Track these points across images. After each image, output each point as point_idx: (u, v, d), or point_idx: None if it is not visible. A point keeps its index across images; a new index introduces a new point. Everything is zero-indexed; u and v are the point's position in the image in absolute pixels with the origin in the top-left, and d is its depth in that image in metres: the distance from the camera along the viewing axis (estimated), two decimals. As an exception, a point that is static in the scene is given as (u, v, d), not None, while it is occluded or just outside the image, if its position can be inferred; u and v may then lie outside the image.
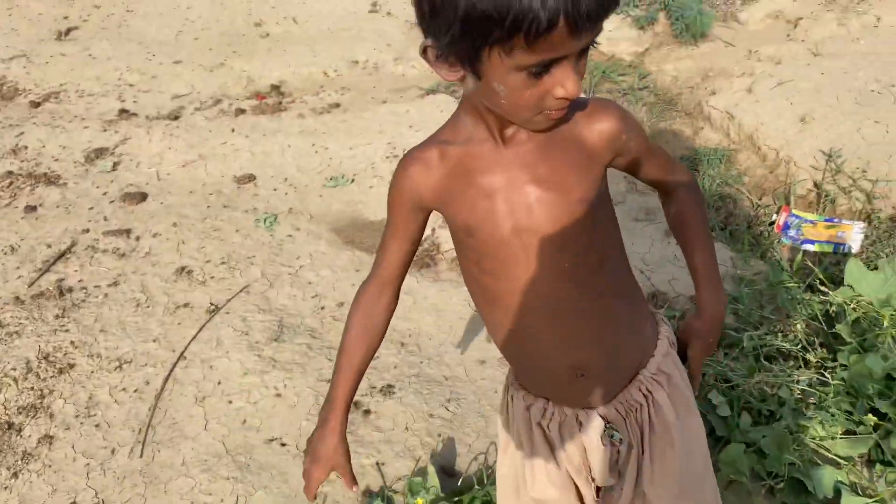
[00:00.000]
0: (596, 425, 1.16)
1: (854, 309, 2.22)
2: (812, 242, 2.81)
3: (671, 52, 4.27)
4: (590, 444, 1.17)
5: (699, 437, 1.26)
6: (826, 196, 2.98)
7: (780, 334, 2.29)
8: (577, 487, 1.24)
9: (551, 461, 1.21)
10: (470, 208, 1.03)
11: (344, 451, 1.19)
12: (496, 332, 1.17)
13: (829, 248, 2.78)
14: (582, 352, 1.11)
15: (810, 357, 2.19)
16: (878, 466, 1.98)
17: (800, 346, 2.22)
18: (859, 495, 1.89)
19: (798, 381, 2.08)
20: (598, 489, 1.24)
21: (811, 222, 2.88)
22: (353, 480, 1.21)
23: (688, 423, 1.22)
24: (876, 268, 2.33)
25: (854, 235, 2.78)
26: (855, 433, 2.01)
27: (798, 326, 2.29)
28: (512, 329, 1.12)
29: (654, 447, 1.19)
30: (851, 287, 2.25)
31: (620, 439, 1.17)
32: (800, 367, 2.17)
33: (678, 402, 1.20)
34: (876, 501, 1.86)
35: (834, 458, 1.99)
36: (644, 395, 1.18)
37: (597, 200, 1.04)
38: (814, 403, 2.06)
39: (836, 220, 2.87)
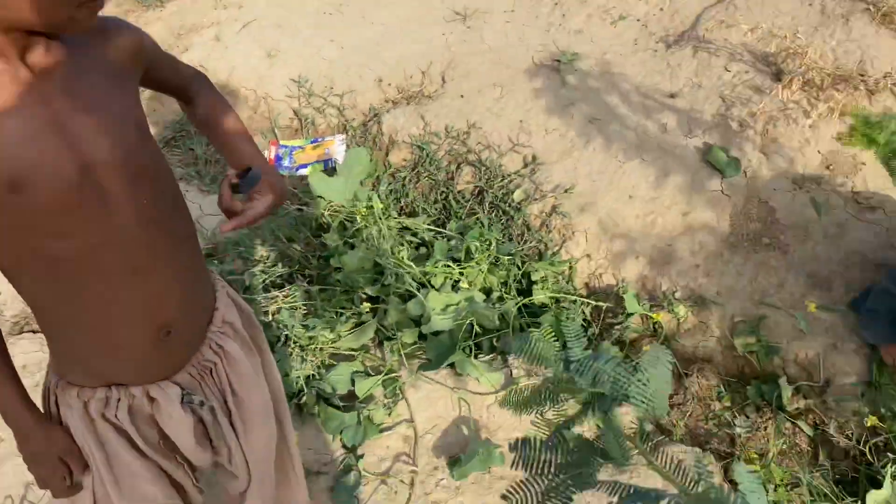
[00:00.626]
0: (172, 395, 1.05)
1: (332, 215, 2.38)
2: (305, 166, 2.95)
3: (139, 17, 4.06)
4: (168, 419, 1.06)
5: (272, 363, 1.28)
6: (306, 120, 3.14)
7: (284, 261, 2.38)
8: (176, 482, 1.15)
9: (133, 454, 1.07)
10: (11, 157, 0.80)
11: (60, 433, 1.05)
12: (54, 312, 0.97)
13: (320, 167, 2.95)
14: (170, 306, 1.00)
15: (310, 271, 2.31)
16: (386, 343, 2.20)
17: (297, 266, 2.32)
18: (371, 376, 2.07)
19: (296, 296, 2.17)
20: (193, 471, 1.17)
21: (300, 148, 3.02)
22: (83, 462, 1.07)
23: (264, 356, 1.24)
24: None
25: (337, 148, 2.99)
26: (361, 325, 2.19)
27: (296, 247, 2.40)
28: (83, 300, 0.94)
29: (240, 403, 1.15)
30: (322, 197, 2.41)
31: (201, 402, 1.09)
32: (296, 281, 2.28)
33: (247, 345, 1.18)
34: (385, 374, 2.06)
35: (349, 353, 2.14)
36: (215, 351, 1.11)
37: (145, 124, 0.95)
38: (317, 312, 2.19)
39: (319, 140, 3.05)
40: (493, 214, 2.57)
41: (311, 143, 3.04)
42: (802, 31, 2.83)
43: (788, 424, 2.10)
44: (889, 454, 1.93)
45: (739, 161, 2.48)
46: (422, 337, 2.15)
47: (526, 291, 2.37)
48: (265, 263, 2.39)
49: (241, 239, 2.47)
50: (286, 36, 3.53)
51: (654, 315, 2.27)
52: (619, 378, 0.75)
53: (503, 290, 2.32)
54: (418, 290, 2.15)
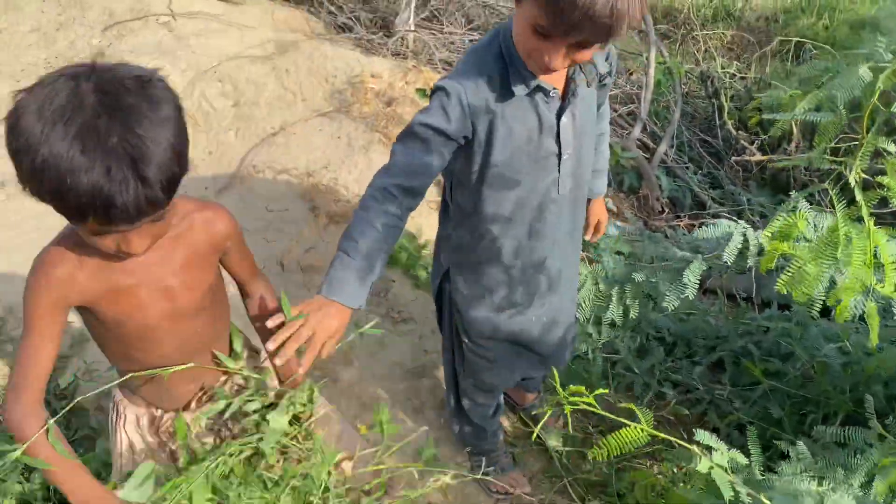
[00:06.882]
0: (202, 422, 1.39)
1: None
2: None
3: None
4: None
5: None
6: None
7: None
8: None
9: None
10: (117, 304, 1.20)
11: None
12: (130, 371, 1.31)
13: None
14: (202, 375, 1.40)
15: None
16: None
17: None
18: None
19: None
20: None
21: None
22: None
23: None
24: None
25: None
26: None
27: None
28: (140, 362, 1.30)
29: None
30: None
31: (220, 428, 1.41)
32: None
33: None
34: None
35: None
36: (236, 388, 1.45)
37: (218, 275, 1.36)
38: None
39: None
40: None
41: None
42: (332, 165, 3.10)
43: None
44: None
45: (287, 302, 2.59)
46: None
47: None
48: None
49: None
50: None
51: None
52: None
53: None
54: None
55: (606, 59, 1.58)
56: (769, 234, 1.58)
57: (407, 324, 2.65)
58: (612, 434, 1.11)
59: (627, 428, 1.09)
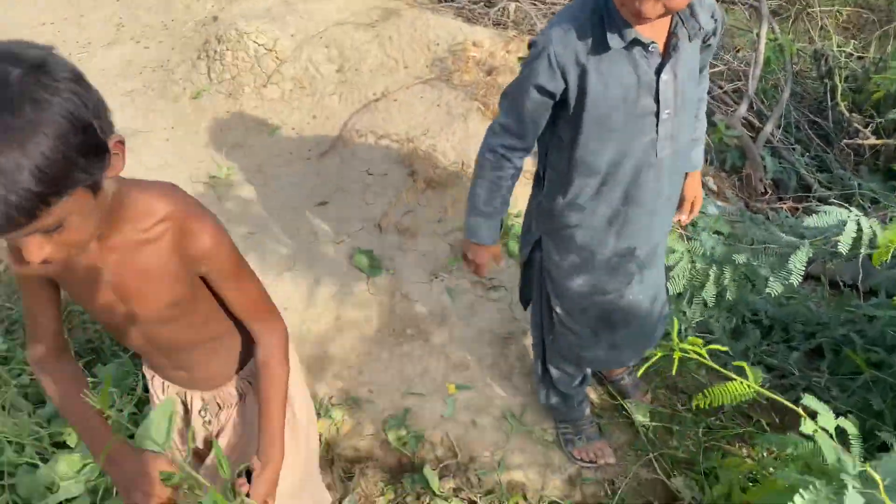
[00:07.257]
0: (196, 402, 1.42)
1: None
2: None
3: None
4: (191, 416, 1.43)
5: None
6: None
7: None
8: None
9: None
10: (76, 293, 1.16)
11: (147, 465, 1.15)
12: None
13: None
14: (191, 369, 1.35)
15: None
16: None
17: None
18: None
19: None
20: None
21: None
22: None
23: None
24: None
25: None
26: None
27: None
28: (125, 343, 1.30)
29: (238, 441, 1.44)
30: None
31: (209, 420, 1.43)
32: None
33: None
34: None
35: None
36: (238, 392, 1.42)
37: (192, 292, 1.19)
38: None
39: None
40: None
41: None
42: (432, 132, 3.15)
43: (447, 505, 2.25)
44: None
45: (381, 261, 2.67)
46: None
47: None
48: None
49: None
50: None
51: (313, 425, 2.33)
52: None
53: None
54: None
55: (712, 16, 1.53)
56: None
57: (497, 291, 2.69)
58: (717, 385, 1.12)
59: (734, 382, 1.09)
